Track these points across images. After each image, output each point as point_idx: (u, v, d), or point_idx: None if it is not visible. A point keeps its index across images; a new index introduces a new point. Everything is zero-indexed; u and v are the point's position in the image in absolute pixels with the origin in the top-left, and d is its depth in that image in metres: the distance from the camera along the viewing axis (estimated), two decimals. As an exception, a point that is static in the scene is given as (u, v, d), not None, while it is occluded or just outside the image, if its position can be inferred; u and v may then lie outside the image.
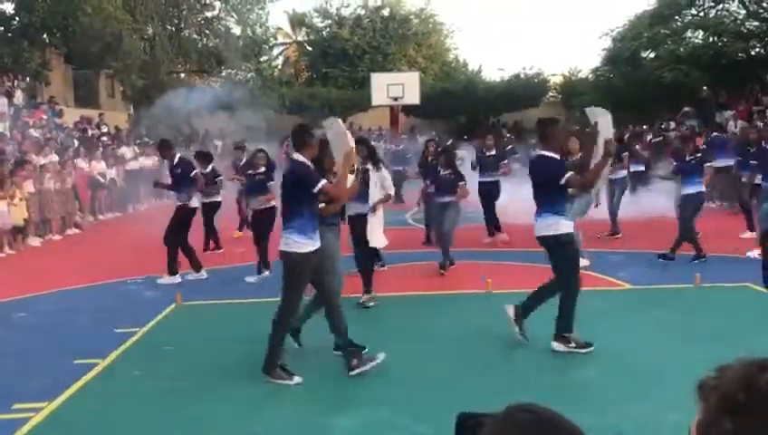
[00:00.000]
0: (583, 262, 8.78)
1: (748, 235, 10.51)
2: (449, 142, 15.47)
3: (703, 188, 9.30)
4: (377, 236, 7.38)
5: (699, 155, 9.58)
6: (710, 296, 7.44)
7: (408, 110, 29.55)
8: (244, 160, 10.90)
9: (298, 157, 5.25)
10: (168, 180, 9.22)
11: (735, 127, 18.96)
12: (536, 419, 1.06)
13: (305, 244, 5.10)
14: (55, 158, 15.07)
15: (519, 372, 5.32)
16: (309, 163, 5.22)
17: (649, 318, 6.66)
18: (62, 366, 5.66)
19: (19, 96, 20.17)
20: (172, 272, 8.83)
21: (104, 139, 20.61)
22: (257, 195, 9.03)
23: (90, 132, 21.11)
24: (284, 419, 4.56)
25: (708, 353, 5.05)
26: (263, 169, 9.15)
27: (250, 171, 9.35)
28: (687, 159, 9.25)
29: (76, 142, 18.50)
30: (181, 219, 8.99)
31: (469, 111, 31.44)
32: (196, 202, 9.25)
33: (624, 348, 5.77)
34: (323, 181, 5.15)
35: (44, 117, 19.94)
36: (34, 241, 12.74)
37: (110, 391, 5.18)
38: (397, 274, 8.95)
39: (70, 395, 5.06)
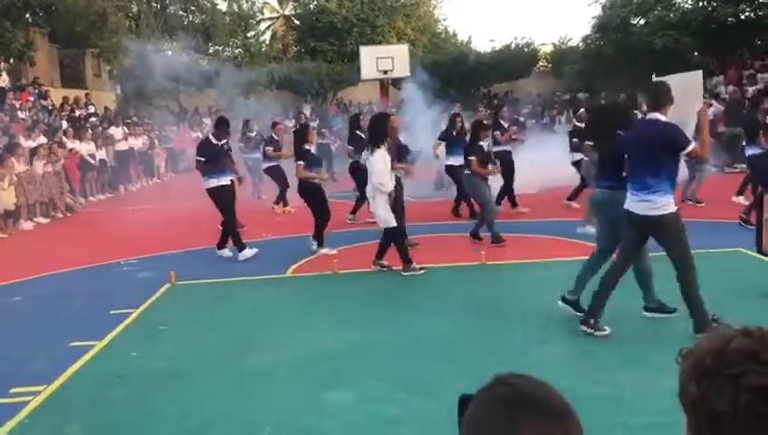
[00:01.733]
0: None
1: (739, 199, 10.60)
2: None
3: None
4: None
5: None
6: (702, 262, 7.47)
7: (399, 83, 29.36)
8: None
9: (660, 117, 5.02)
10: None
11: (726, 92, 18.96)
12: (513, 392, 1.05)
13: (671, 202, 5.02)
14: (44, 140, 14.95)
15: (514, 344, 5.34)
16: (673, 123, 5.01)
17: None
18: (59, 349, 5.67)
19: (5, 78, 19.92)
20: (242, 246, 8.81)
21: (92, 119, 20.43)
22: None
23: (77, 113, 20.92)
24: (279, 395, 4.59)
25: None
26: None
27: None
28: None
29: (65, 124, 18.33)
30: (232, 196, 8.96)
31: (460, 82, 31.26)
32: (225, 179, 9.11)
33: (618, 315, 5.81)
34: (694, 143, 5.01)
35: (31, 99, 19.72)
36: (26, 225, 12.68)
37: (107, 372, 5.19)
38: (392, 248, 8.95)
39: (67, 378, 5.07)
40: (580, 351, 5.12)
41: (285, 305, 6.87)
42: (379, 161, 7.43)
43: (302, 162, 8.73)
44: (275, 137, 12.90)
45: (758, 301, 5.97)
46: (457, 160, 10.44)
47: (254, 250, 8.83)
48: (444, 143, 11.47)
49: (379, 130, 7.56)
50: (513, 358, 4.96)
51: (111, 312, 6.66)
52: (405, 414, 4.21)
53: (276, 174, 12.66)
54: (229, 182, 8.96)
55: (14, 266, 9.15)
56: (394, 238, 7.67)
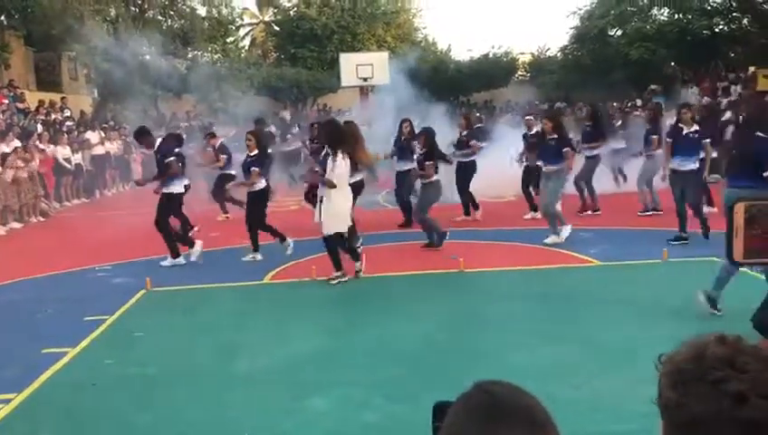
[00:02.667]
0: (556, 239, 8.91)
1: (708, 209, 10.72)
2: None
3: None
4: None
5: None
6: (678, 271, 7.57)
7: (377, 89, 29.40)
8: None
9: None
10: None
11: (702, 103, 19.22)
12: (492, 401, 1.05)
13: None
14: (18, 143, 14.72)
15: (492, 351, 5.35)
16: None
17: (619, 294, 6.75)
18: (31, 356, 5.56)
19: (-22, 81, 19.63)
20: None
21: (68, 123, 20.17)
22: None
23: (53, 117, 20.64)
24: (256, 402, 4.54)
25: (677, 327, 5.14)
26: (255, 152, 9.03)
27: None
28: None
29: (40, 127, 18.07)
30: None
31: (439, 91, 31.39)
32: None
33: (595, 324, 5.85)
34: None
35: (5, 101, 19.43)
36: (0, 230, 12.47)
37: (81, 380, 5.10)
38: (370, 254, 8.94)
39: (39, 385, 4.97)
40: (558, 357, 5.13)
41: (263, 312, 6.82)
42: (341, 165, 7.39)
43: (257, 168, 8.78)
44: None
45: None
46: (402, 166, 10.56)
47: (181, 260, 8.81)
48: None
49: (337, 137, 7.58)
50: (491, 364, 4.96)
51: (86, 318, 6.55)
52: (383, 421, 4.19)
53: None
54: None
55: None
56: (336, 245, 7.60)
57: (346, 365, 5.14)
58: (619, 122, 15.44)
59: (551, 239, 8.96)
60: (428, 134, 9.43)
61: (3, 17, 23.93)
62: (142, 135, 9.33)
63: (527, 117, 12.27)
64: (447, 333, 5.79)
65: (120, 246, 10.15)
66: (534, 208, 11.04)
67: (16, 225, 13.05)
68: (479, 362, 5.03)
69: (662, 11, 27.11)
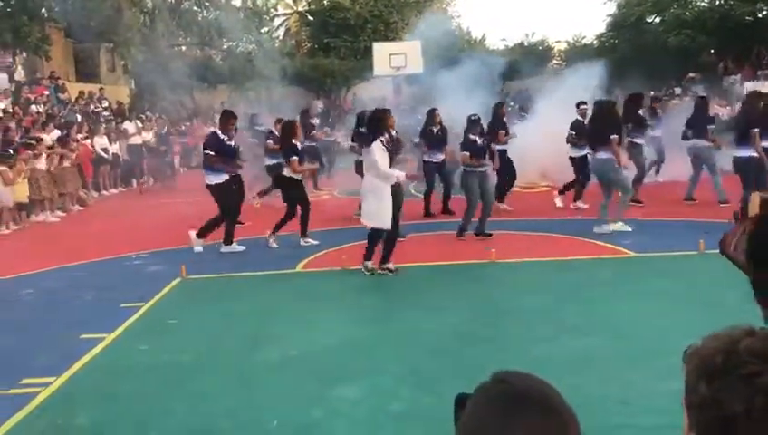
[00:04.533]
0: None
1: None
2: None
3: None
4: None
5: None
6: (714, 263, 7.41)
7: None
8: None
9: None
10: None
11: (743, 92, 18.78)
12: (506, 389, 1.05)
13: None
14: (58, 133, 15.05)
15: (521, 343, 5.32)
16: None
17: (653, 286, 6.65)
18: (69, 341, 5.71)
19: (20, 72, 20.07)
20: (203, 235, 9.03)
21: (105, 114, 20.54)
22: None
23: (92, 107, 21.04)
24: (287, 390, 4.60)
25: (710, 320, 5.05)
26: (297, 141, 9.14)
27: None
28: None
29: (79, 117, 18.44)
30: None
31: (474, 80, 31.14)
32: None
33: (627, 316, 5.78)
34: None
35: (46, 92, 19.85)
36: (39, 217, 12.78)
37: (116, 365, 5.23)
38: (403, 245, 8.95)
39: (76, 370, 5.11)
40: (588, 350, 5.08)
41: (294, 301, 6.88)
42: (376, 152, 7.28)
43: (296, 157, 8.82)
44: (277, 133, 12.80)
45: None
46: (435, 157, 10.50)
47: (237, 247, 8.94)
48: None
49: (376, 125, 7.54)
50: (520, 355, 4.94)
51: (122, 305, 6.70)
52: (411, 410, 4.21)
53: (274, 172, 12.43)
54: (228, 178, 8.96)
55: (26, 259, 9.22)
56: (385, 237, 7.52)
57: (375, 355, 5.17)
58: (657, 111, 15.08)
59: (608, 228, 8.90)
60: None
61: (44, 10, 24.39)
62: (223, 119, 9.28)
63: (582, 105, 11.77)
64: (477, 324, 5.78)
65: (156, 234, 10.33)
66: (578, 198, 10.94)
67: (59, 213, 13.37)
68: (508, 354, 5.01)
69: (703, -4, 26.52)
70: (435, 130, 10.80)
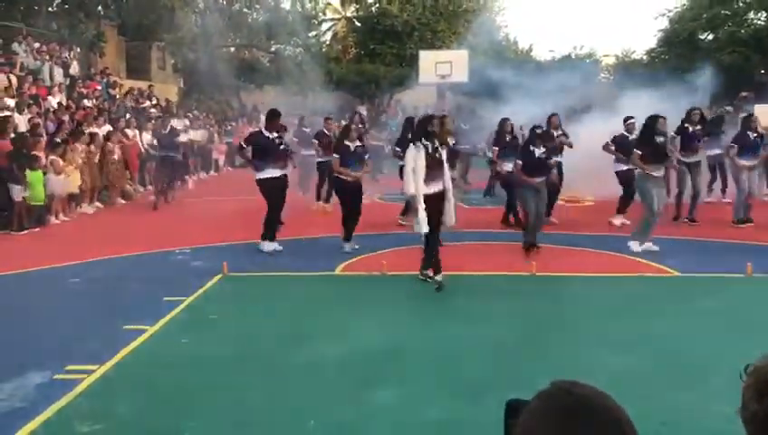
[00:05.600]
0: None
1: None
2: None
3: None
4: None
5: None
6: (762, 287, 7.25)
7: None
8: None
9: None
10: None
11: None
12: (575, 401, 1.02)
13: None
14: (108, 128, 15.42)
15: (560, 356, 5.26)
16: None
17: (698, 307, 6.52)
18: (112, 331, 5.84)
19: (75, 67, 20.61)
20: (267, 237, 9.13)
21: (153, 111, 20.96)
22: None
23: (140, 104, 21.49)
24: (324, 390, 4.63)
25: (756, 344, 4.93)
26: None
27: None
28: None
29: (128, 115, 18.85)
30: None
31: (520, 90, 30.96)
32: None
33: (670, 336, 5.68)
34: None
35: (98, 88, 20.35)
36: (88, 209, 13.09)
37: (157, 357, 5.33)
38: (444, 253, 8.94)
39: (119, 360, 5.22)
40: (629, 367, 5.00)
41: (333, 302, 6.93)
42: (408, 162, 7.16)
43: (337, 155, 8.93)
44: (326, 132, 12.98)
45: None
46: (508, 166, 10.38)
47: (276, 246, 9.03)
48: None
49: (417, 130, 7.51)
50: (558, 369, 4.85)
51: (165, 298, 6.83)
52: (447, 418, 4.19)
53: (324, 170, 12.69)
54: (278, 175, 9.07)
55: (73, 249, 9.46)
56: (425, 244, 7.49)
57: (413, 361, 5.17)
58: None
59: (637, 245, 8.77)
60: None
61: (100, 8, 25.06)
62: (270, 118, 9.39)
63: (630, 120, 11.40)
64: (516, 336, 5.73)
65: (199, 230, 10.50)
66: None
67: (98, 204, 13.67)
68: (546, 366, 4.96)
69: (759, 15, 25.91)
70: (508, 138, 10.86)
